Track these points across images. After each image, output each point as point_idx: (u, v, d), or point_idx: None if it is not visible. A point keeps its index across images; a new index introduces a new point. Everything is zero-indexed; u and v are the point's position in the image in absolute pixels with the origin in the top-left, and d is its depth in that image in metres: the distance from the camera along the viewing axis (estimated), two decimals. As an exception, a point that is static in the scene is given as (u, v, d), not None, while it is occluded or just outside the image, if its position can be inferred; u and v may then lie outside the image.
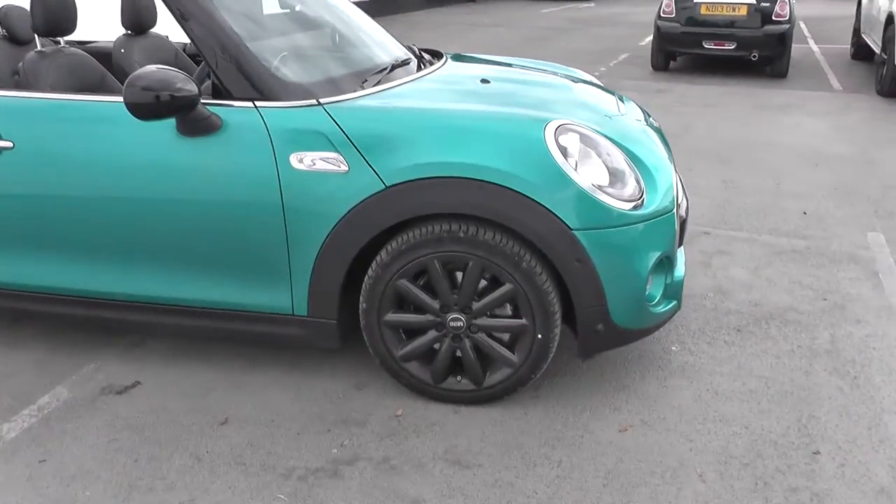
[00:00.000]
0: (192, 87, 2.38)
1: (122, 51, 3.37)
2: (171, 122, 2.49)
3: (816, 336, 3.24)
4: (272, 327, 2.71)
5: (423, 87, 2.90)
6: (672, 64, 10.34)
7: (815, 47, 12.43)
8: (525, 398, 2.74)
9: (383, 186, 2.41)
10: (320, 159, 2.45)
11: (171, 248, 2.65)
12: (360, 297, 2.59)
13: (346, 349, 2.82)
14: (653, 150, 2.77)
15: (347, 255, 2.52)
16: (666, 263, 2.65)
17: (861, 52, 10.46)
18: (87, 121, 2.63)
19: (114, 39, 3.47)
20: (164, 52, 3.52)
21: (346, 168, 2.43)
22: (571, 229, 2.39)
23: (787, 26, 9.20)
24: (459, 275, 2.54)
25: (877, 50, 8.71)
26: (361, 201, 2.44)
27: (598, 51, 12.24)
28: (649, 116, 3.26)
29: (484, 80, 3.05)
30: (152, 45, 3.47)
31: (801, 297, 3.62)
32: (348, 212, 2.45)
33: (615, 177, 2.49)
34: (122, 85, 2.37)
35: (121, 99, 2.38)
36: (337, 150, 2.43)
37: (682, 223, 2.76)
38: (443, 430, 2.58)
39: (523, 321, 2.51)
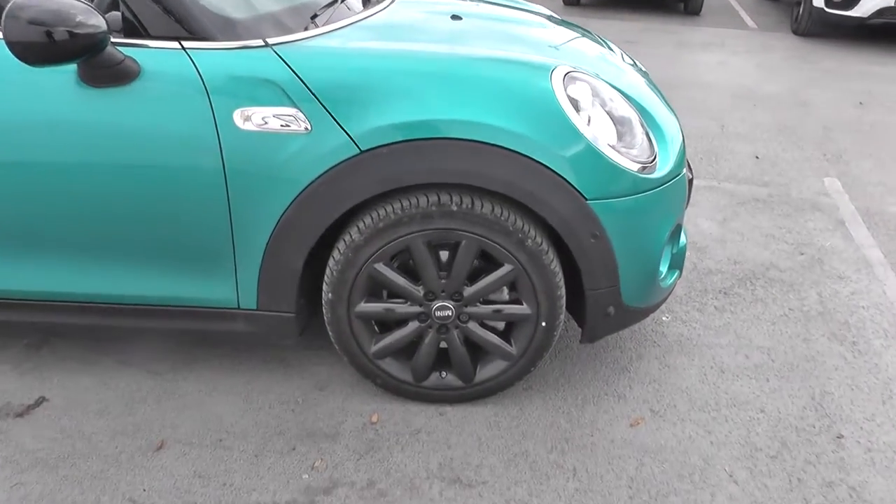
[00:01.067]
0: (97, 22, 1.79)
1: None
2: (71, 68, 1.89)
3: (804, 296, 3.02)
4: (211, 324, 2.19)
5: (386, 24, 2.38)
6: (583, 0, 9.99)
7: (719, -17, 12.38)
8: (517, 391, 2.36)
9: (357, 151, 1.92)
10: (273, 116, 1.92)
11: (77, 232, 2.08)
12: (325, 286, 2.12)
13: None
14: (657, 102, 2.39)
15: (309, 237, 2.03)
16: (676, 232, 2.31)
17: (768, -11, 10.45)
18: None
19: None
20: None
21: (308, 127, 1.92)
22: (587, 199, 1.98)
23: (703, -40, 9.00)
24: (443, 254, 2.11)
25: (790, -12, 8.66)
26: (328, 170, 1.94)
27: (506, -16, 11.71)
28: (634, 61, 2.87)
29: (455, 17, 2.55)
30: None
31: (778, 252, 3.40)
32: (311, 183, 1.95)
33: (627, 137, 2.09)
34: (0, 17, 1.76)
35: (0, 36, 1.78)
36: (295, 105, 1.91)
37: (690, 183, 2.41)
38: (431, 439, 2.17)
39: (525, 307, 2.11)
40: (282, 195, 1.97)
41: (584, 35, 2.78)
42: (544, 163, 1.94)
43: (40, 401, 2.30)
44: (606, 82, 2.16)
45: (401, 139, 1.92)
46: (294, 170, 1.95)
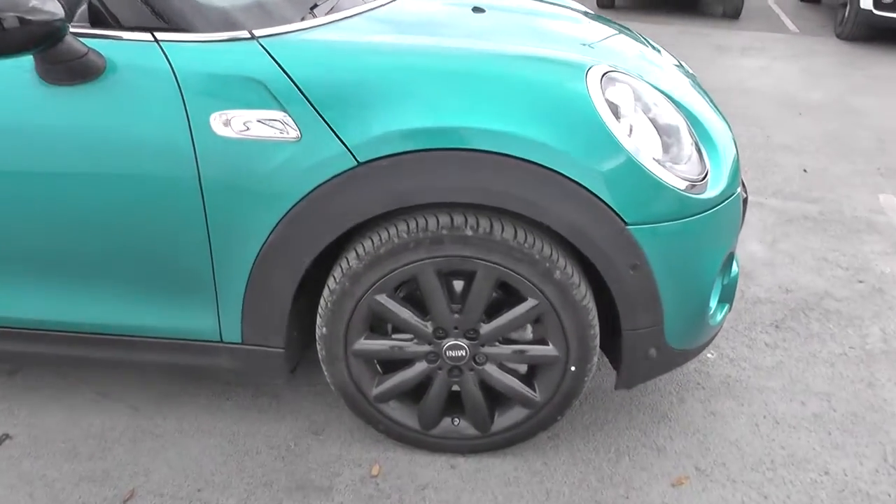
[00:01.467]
0: (54, 8, 1.51)
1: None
2: (27, 61, 1.62)
3: (866, 332, 2.67)
4: (192, 358, 1.91)
5: (397, 15, 2.08)
6: (618, 1, 9.64)
7: (758, -13, 11.96)
8: (541, 441, 2.05)
9: (354, 163, 1.63)
10: (257, 121, 1.64)
11: (39, 252, 1.81)
12: (318, 319, 1.82)
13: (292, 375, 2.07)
14: (707, 108, 2.07)
15: (299, 262, 1.74)
16: (728, 261, 1.98)
17: (810, -7, 10.02)
18: None
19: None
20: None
21: (297, 134, 1.63)
22: (627, 224, 1.67)
23: (743, -38, 8.62)
24: (457, 284, 1.81)
25: (834, -9, 8.25)
26: (320, 185, 1.65)
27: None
28: (680, 62, 2.54)
29: (477, 9, 2.25)
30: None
31: (833, 279, 3.05)
32: (301, 199, 1.66)
33: (674, 149, 1.78)
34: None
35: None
36: (282, 108, 1.63)
37: (744, 203, 2.08)
38: (439, 498, 1.87)
39: (551, 349, 1.80)
40: (267, 213, 1.69)
41: (622, 32, 2.46)
42: (577, 180, 1.63)
43: (2, 438, 2.04)
44: (650, 84, 1.85)
45: (407, 150, 1.62)
46: (281, 184, 1.66)
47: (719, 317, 2.05)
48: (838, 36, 7.95)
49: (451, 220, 1.68)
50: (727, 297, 2.09)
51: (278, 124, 1.63)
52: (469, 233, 1.67)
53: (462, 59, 1.73)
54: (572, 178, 1.63)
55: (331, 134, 1.62)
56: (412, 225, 1.69)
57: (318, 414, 2.14)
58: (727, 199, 1.86)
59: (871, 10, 7.13)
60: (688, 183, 1.75)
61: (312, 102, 1.62)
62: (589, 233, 1.66)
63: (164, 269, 1.79)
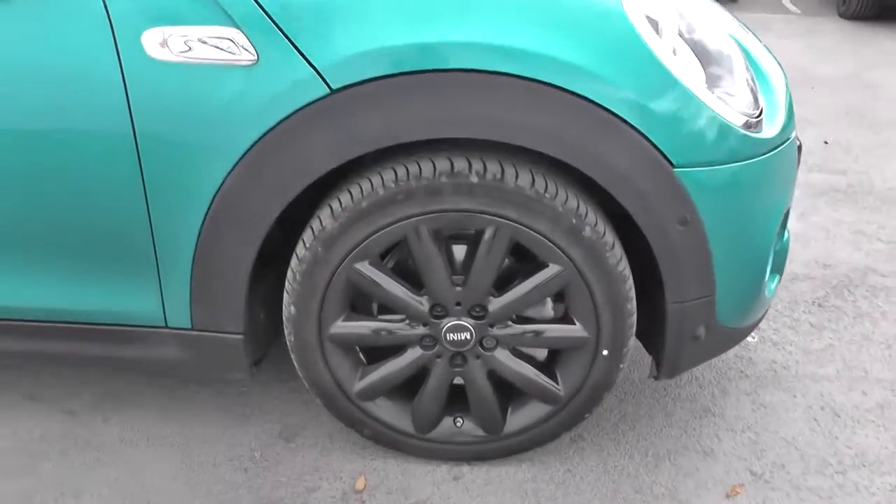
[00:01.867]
0: None
1: None
2: None
3: (921, 310, 2.33)
4: (132, 349, 1.55)
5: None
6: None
7: (752, -30, 11.68)
8: (562, 445, 1.69)
9: (326, 91, 1.26)
10: (201, 40, 1.27)
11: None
12: (286, 296, 1.46)
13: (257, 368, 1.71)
14: (757, 45, 1.73)
15: (259, 224, 1.37)
16: (785, 220, 1.64)
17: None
18: None
19: None
20: None
21: (252, 57, 1.27)
22: (674, 166, 1.31)
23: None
24: (458, 249, 1.45)
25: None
26: (283, 120, 1.28)
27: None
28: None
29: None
30: None
31: (874, 252, 2.72)
32: (258, 141, 1.30)
33: (726, 79, 1.43)
34: None
35: None
36: (233, 23, 1.26)
37: (799, 151, 1.73)
38: (440, 518, 1.51)
39: (578, 328, 1.44)
40: (216, 158, 1.32)
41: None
42: (612, 109, 1.27)
43: None
44: (696, 6, 1.50)
45: (392, 72, 1.25)
46: (233, 120, 1.29)
47: (772, 289, 1.70)
48: (842, 16, 7.67)
49: (451, 164, 1.32)
50: (778, 266, 1.75)
51: (228, 44, 1.27)
52: (474, 180, 1.31)
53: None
54: (606, 106, 1.27)
55: (295, 54, 1.25)
56: (401, 172, 1.32)
57: (292, 416, 1.77)
58: (785, 142, 1.52)
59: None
60: (744, 119, 1.39)
61: (270, 14, 1.25)
62: (629, 178, 1.31)
63: (92, 236, 1.42)
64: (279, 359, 1.82)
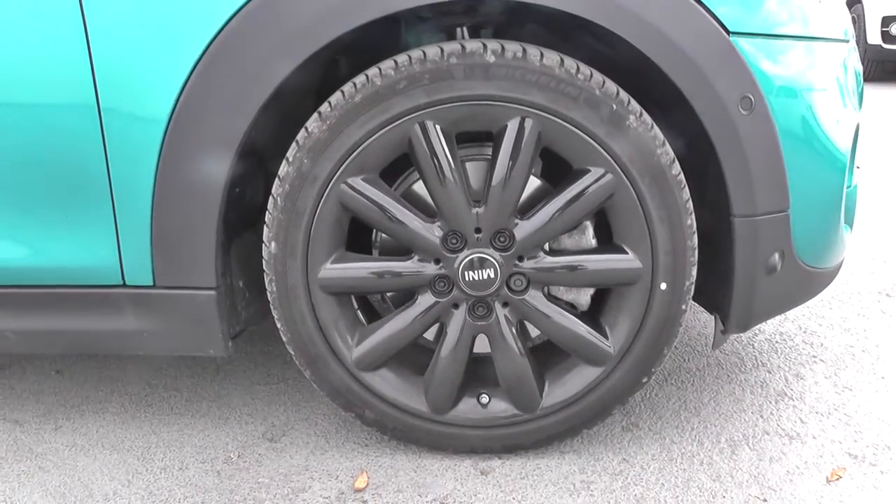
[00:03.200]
0: None
1: None
2: None
3: None
4: (80, 318, 1.26)
5: None
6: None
7: None
8: (613, 429, 1.37)
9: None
10: None
11: None
12: (265, 230, 1.18)
13: (238, 350, 1.42)
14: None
15: (231, 130, 1.12)
16: (856, 138, 1.38)
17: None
18: None
19: None
20: None
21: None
22: (730, 33, 1.07)
23: None
24: (472, 166, 1.19)
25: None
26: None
27: None
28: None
29: None
30: None
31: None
32: (227, 22, 1.07)
33: None
34: None
35: None
36: None
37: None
38: (465, 517, 1.17)
39: (630, 257, 1.16)
40: (178, 43, 1.08)
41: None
42: (655, -38, 1.04)
43: None
44: None
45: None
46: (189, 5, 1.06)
47: (847, 233, 1.43)
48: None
49: (462, 46, 1.07)
50: (849, 216, 1.47)
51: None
52: (490, 59, 1.06)
53: None
54: (646, -38, 1.04)
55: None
56: (402, 59, 1.08)
57: (278, 416, 1.46)
58: (848, 37, 1.29)
59: (880, 45, 6.74)
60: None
61: None
62: (673, 48, 1.06)
63: (34, 164, 1.17)
64: (265, 361, 1.54)
